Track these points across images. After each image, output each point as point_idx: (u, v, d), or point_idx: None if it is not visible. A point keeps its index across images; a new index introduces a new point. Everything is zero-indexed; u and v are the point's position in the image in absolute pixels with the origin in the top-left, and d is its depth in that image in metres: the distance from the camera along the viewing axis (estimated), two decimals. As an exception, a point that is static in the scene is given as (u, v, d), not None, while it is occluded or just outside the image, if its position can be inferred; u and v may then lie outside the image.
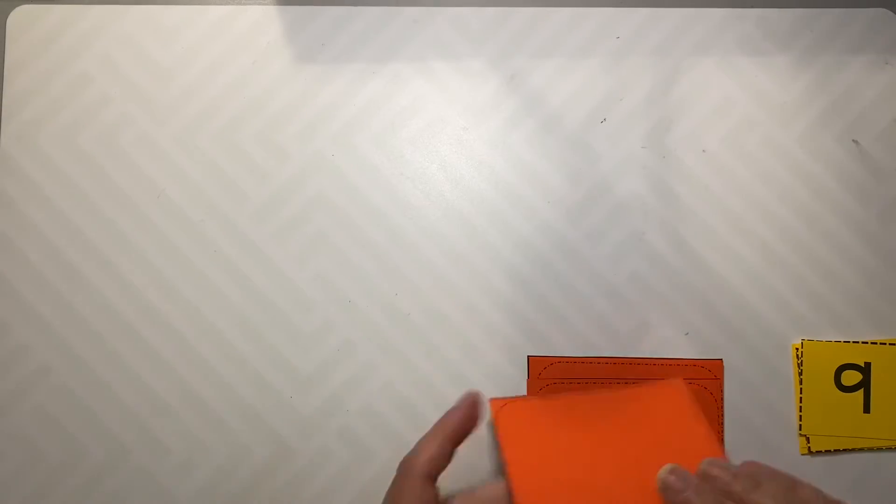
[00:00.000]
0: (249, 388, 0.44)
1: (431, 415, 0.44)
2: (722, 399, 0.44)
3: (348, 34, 0.47)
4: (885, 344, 0.45)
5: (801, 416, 0.44)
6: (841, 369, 0.45)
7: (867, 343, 0.45)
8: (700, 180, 0.46)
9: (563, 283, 0.45)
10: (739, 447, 0.44)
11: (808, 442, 0.44)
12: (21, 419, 0.44)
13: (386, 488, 0.43)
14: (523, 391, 0.44)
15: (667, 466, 0.38)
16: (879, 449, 0.44)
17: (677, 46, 0.47)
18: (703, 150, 0.46)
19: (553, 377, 0.44)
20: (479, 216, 0.46)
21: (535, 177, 0.46)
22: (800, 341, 0.45)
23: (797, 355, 0.45)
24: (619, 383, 0.44)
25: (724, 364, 0.45)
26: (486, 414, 0.42)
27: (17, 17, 0.47)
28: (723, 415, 0.44)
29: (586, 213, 0.46)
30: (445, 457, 0.38)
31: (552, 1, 0.47)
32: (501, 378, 0.44)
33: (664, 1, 0.47)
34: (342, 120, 0.46)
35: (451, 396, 0.44)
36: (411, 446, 0.44)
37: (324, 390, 0.44)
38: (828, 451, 0.44)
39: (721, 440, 0.44)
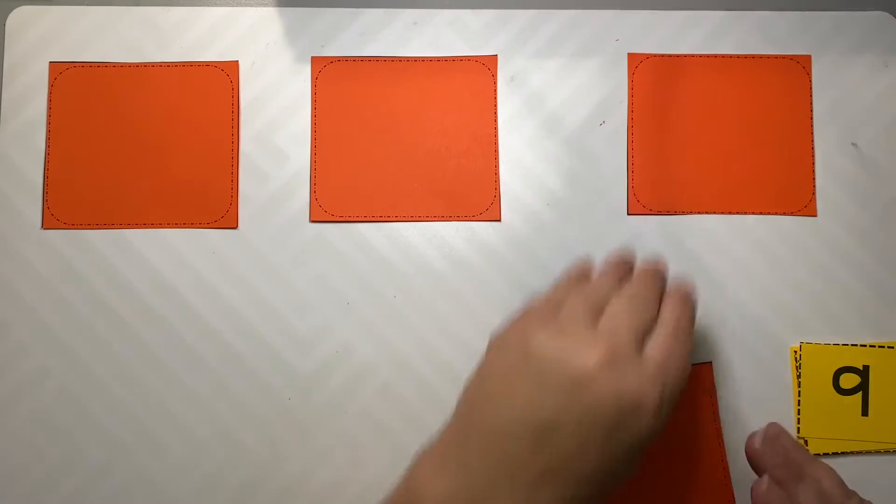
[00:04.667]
0: (248, 390, 0.44)
1: (430, 417, 0.44)
2: (716, 402, 0.44)
3: (347, 36, 0.47)
4: (883, 347, 0.45)
5: (799, 418, 0.44)
6: (839, 372, 0.45)
7: (866, 346, 0.45)
8: (699, 183, 0.46)
9: (561, 285, 0.45)
10: (738, 449, 0.44)
11: (807, 445, 0.44)
12: (19, 420, 0.44)
13: (383, 491, 0.43)
14: (521, 393, 0.44)
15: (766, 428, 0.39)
16: (878, 452, 0.44)
17: (677, 49, 0.47)
18: (703, 153, 0.46)
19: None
20: (477, 218, 0.46)
21: (534, 178, 0.46)
22: (798, 344, 0.45)
23: (795, 358, 0.45)
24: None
25: (722, 368, 0.45)
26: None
27: (17, 18, 0.47)
28: (719, 418, 0.44)
29: (585, 215, 0.46)
30: None
31: (551, 3, 0.47)
32: (500, 380, 0.44)
33: (663, 3, 0.47)
34: (341, 121, 0.46)
35: (450, 398, 0.44)
36: (409, 448, 0.44)
37: (322, 392, 0.44)
38: (826, 454, 0.44)
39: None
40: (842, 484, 0.38)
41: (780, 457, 0.38)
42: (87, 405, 0.44)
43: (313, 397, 0.44)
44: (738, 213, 0.45)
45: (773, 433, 0.39)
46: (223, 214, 0.45)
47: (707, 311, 0.45)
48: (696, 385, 0.44)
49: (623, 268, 0.40)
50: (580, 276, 0.40)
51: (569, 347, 0.34)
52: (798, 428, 0.44)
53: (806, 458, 0.38)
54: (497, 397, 0.34)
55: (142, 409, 0.44)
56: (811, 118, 0.46)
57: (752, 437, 0.39)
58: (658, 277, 0.39)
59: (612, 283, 0.38)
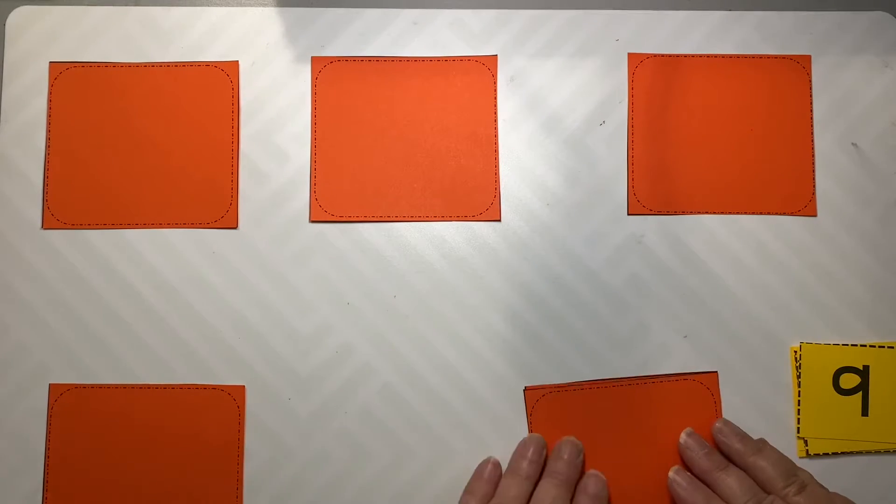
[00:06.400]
0: (247, 390, 0.44)
1: (430, 417, 0.44)
2: (721, 413, 0.44)
3: (348, 36, 0.47)
4: (883, 347, 0.45)
5: (799, 418, 0.44)
6: (839, 372, 0.45)
7: (866, 346, 0.45)
8: (699, 183, 0.46)
9: (560, 284, 0.45)
10: (737, 449, 0.44)
11: (807, 445, 0.44)
12: (20, 420, 0.44)
13: (383, 490, 0.43)
14: (519, 391, 0.44)
15: (686, 430, 0.43)
16: (878, 452, 0.44)
17: (677, 49, 0.47)
18: (703, 153, 0.46)
19: (547, 381, 0.44)
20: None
21: (534, 178, 0.46)
22: (798, 344, 0.45)
23: (795, 358, 0.45)
24: (617, 384, 0.44)
25: (723, 368, 0.45)
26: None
27: (17, 18, 0.47)
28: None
29: (585, 215, 0.46)
30: None
31: (551, 3, 0.47)
32: (498, 378, 0.44)
33: (664, 3, 0.47)
34: (341, 121, 0.46)
35: (450, 399, 0.44)
36: (409, 448, 0.44)
37: (322, 392, 0.44)
38: (826, 454, 0.44)
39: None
40: (787, 470, 0.41)
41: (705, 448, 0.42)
42: (87, 405, 0.44)
43: (313, 397, 0.44)
44: (738, 213, 0.45)
45: (717, 427, 0.43)
46: (223, 214, 0.45)
47: (707, 311, 0.45)
48: (701, 393, 0.44)
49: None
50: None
51: None
52: (798, 428, 0.44)
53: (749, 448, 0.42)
54: None
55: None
56: (811, 118, 0.46)
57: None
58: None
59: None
